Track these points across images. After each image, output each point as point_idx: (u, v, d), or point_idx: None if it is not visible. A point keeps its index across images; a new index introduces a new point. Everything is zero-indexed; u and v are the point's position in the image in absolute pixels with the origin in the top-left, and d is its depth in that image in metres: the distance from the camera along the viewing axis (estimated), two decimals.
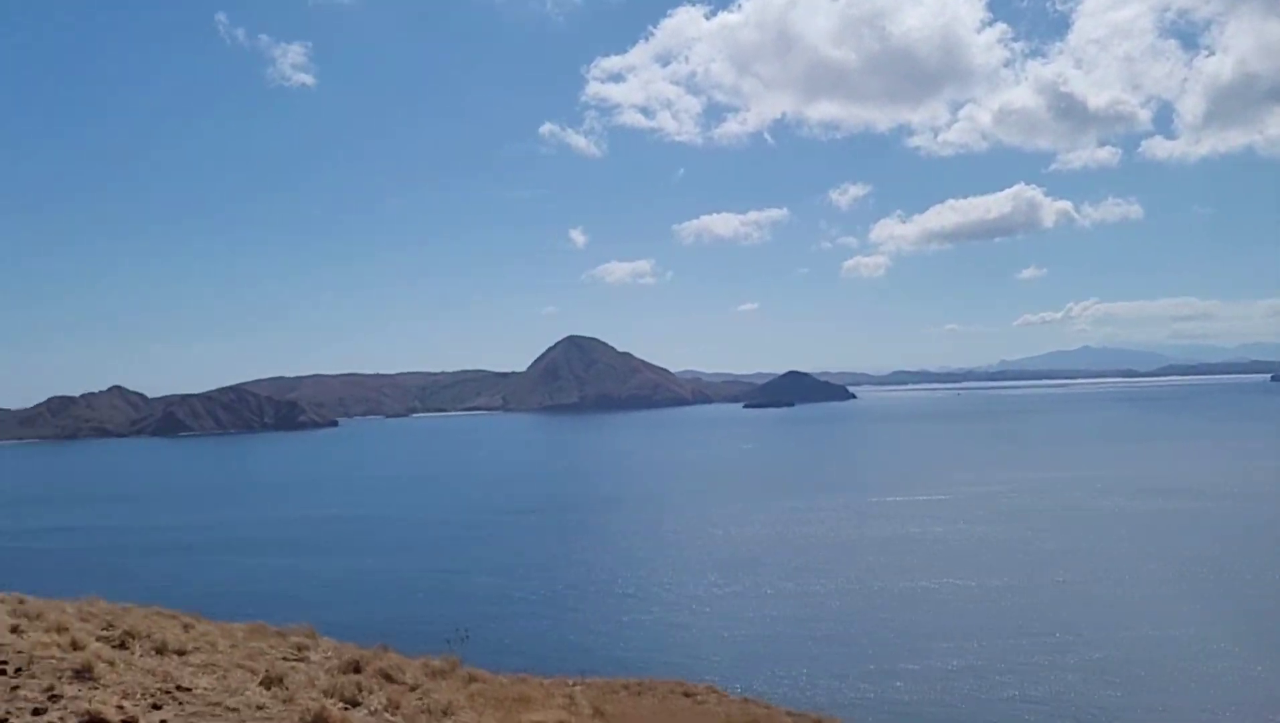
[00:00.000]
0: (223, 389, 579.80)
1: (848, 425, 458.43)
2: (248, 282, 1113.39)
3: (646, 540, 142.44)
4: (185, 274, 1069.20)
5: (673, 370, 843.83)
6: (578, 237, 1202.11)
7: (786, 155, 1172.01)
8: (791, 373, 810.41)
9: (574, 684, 22.66)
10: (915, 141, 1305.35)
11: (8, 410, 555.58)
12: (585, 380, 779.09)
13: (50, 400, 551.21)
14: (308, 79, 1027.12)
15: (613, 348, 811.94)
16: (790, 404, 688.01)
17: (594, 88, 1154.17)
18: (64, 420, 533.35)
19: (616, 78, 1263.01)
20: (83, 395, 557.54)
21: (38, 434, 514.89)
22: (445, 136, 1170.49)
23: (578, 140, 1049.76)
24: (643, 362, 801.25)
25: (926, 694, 70.57)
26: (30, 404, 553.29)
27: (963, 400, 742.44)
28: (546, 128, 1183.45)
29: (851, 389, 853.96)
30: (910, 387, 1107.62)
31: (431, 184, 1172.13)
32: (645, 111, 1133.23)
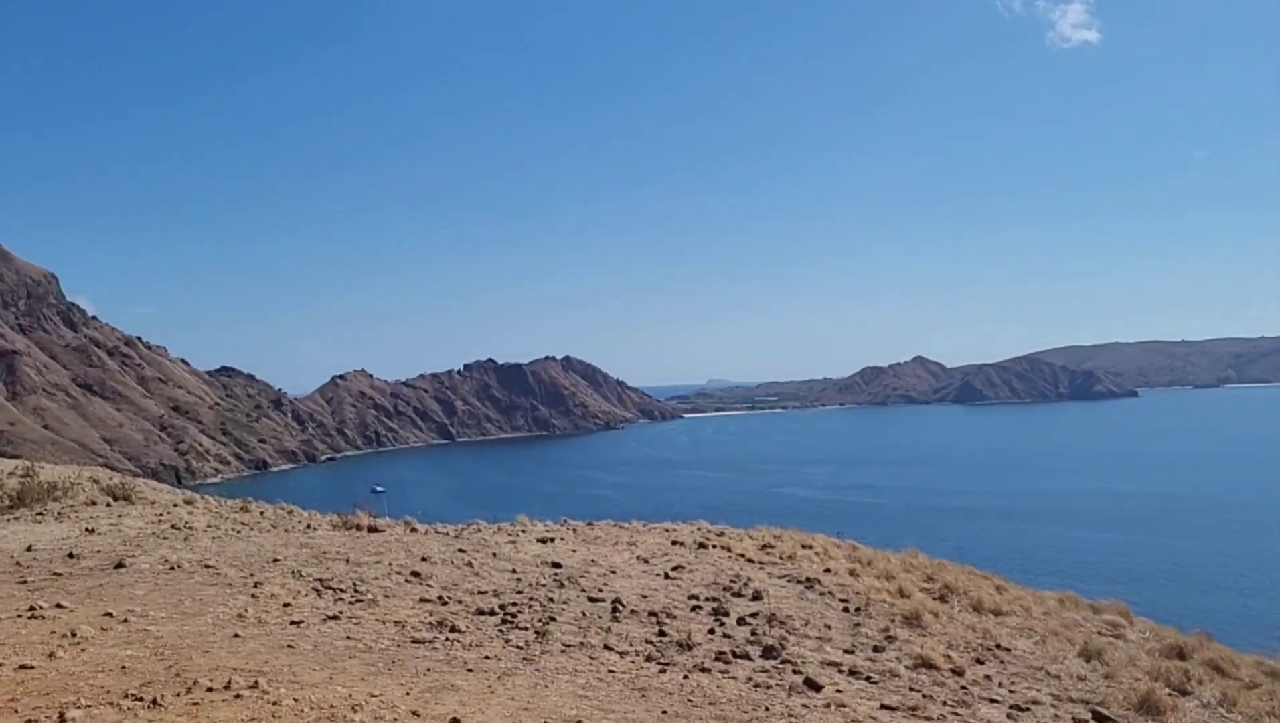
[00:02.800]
0: (1017, 359, 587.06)
1: None
2: (1065, 249, 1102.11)
3: None
4: (981, 250, 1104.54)
5: None
6: None
7: None
8: None
9: None
10: None
11: (830, 379, 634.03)
12: None
13: (864, 370, 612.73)
14: (1091, 35, 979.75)
15: None
16: None
17: None
18: (875, 388, 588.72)
19: None
20: (890, 365, 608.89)
21: (854, 400, 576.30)
22: (1253, 76, 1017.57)
23: None
24: None
25: None
26: (847, 373, 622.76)
27: None
28: None
29: None
30: None
31: (1244, 129, 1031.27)
32: None
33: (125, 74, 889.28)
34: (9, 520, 21.90)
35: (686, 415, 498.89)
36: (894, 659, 13.08)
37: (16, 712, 7.31)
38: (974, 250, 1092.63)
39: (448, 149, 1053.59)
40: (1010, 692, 12.32)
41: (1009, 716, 11.18)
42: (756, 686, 10.78)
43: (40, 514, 22.95)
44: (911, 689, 11.58)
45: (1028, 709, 11.50)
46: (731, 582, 17.20)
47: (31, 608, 10.96)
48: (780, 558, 20.77)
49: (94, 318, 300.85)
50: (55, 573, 13.38)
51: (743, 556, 20.43)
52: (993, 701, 11.70)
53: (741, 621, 14.28)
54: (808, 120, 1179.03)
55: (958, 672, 12.77)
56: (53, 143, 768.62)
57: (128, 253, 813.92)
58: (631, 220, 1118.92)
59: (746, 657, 12.19)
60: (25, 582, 12.81)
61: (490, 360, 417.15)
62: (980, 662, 13.86)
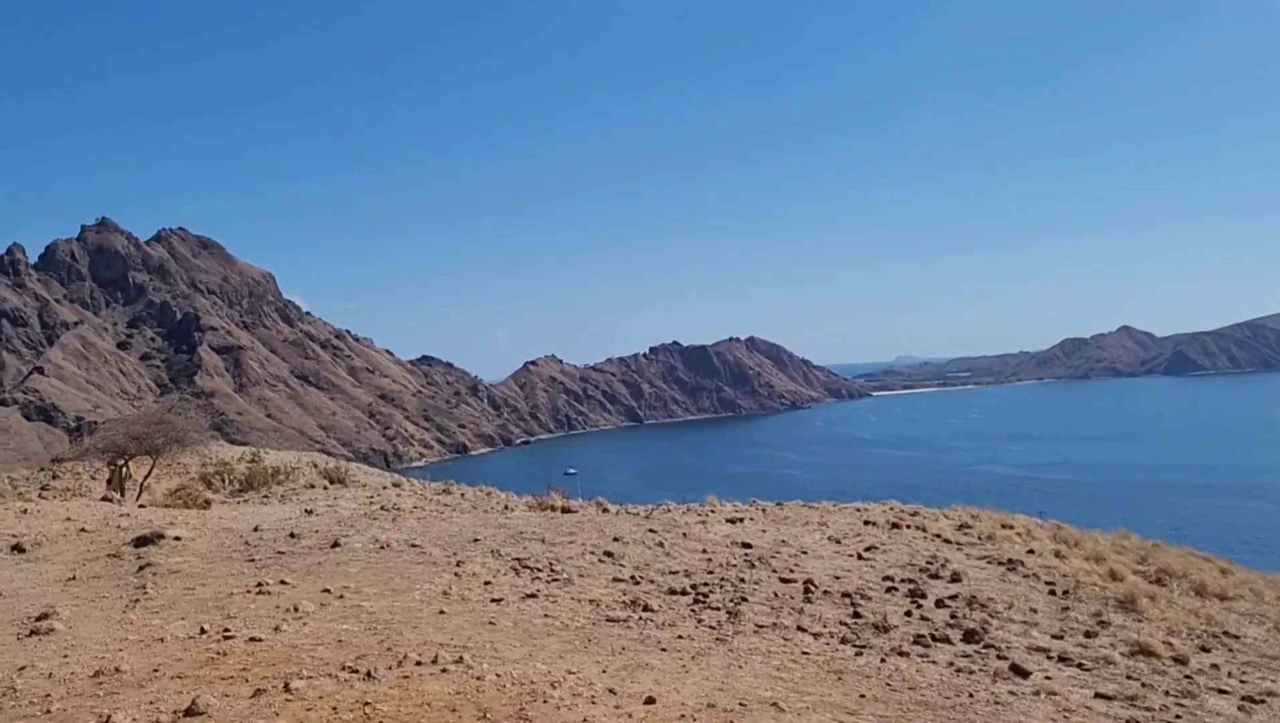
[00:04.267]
0: (1237, 325, 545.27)
1: None
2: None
3: None
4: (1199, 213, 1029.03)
5: None
6: None
7: None
8: None
9: None
10: None
11: (1027, 352, 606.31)
12: None
13: (1063, 342, 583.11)
14: None
15: None
16: None
17: None
18: (1076, 361, 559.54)
19: None
20: (1093, 336, 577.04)
21: (1053, 374, 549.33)
22: None
23: None
24: None
25: None
26: (1046, 346, 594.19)
27: None
28: None
29: None
30: None
31: None
32: None
33: (329, 90, 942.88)
34: (239, 502, 23.70)
35: (875, 393, 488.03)
36: (1108, 646, 12.36)
37: (247, 681, 7.86)
38: (1184, 213, 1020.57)
39: (628, 142, 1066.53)
40: (1241, 682, 11.43)
41: (1240, 707, 10.36)
42: (959, 671, 10.40)
43: (266, 497, 24.75)
44: (1129, 678, 10.90)
45: (1263, 702, 10.62)
46: (928, 563, 16.69)
47: (259, 584, 11.77)
48: (979, 539, 20.01)
49: (308, 313, 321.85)
50: (279, 552, 14.34)
51: (938, 536, 19.79)
52: (1221, 691, 10.88)
53: (940, 603, 13.83)
54: (1009, 92, 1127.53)
55: (1180, 660, 11.94)
56: (266, 153, 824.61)
57: (336, 251, 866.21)
58: (813, 196, 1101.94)
59: (946, 641, 11.78)
60: (253, 560, 13.78)
61: (675, 343, 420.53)
62: (1205, 650, 12.92)
